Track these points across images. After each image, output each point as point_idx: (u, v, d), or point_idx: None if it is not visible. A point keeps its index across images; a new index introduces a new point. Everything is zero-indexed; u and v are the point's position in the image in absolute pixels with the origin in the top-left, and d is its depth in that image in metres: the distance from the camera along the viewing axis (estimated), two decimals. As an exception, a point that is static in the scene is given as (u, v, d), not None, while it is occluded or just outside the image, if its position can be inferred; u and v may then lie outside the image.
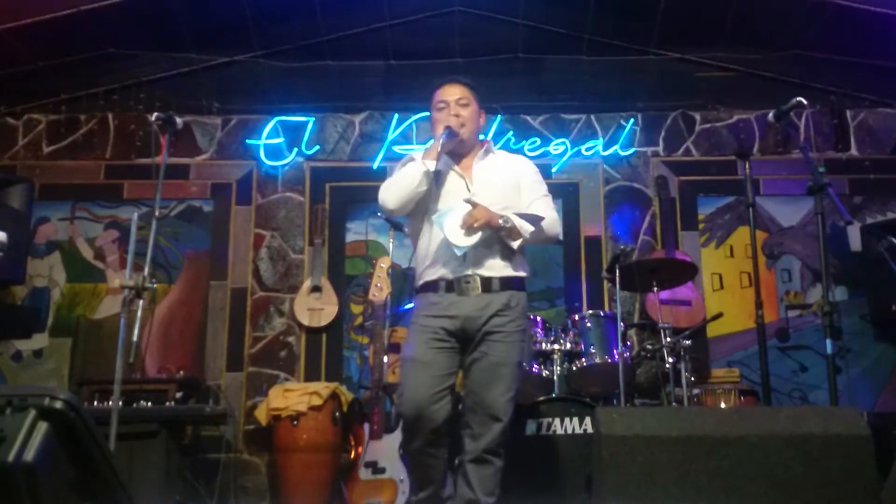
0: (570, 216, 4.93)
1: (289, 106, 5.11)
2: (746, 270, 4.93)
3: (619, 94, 5.13)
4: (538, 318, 3.90)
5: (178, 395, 4.08)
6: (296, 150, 5.07)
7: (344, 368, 4.83)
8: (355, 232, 5.02)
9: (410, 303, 3.58)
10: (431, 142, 2.94)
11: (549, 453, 3.48)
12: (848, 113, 5.14)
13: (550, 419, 3.53)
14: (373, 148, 5.09)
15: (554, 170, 5.01)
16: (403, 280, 4.45)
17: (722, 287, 4.95)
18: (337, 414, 4.30)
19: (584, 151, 5.07)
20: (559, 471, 3.46)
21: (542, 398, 3.60)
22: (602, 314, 3.97)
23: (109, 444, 2.59)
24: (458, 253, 2.77)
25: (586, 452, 3.35)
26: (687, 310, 4.68)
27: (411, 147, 4.86)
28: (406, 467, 3.73)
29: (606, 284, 4.83)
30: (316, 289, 4.81)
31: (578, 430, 3.51)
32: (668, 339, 3.78)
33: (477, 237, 2.74)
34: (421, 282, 2.90)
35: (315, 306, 4.79)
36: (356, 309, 4.91)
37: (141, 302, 2.80)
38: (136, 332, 2.77)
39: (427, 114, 3.09)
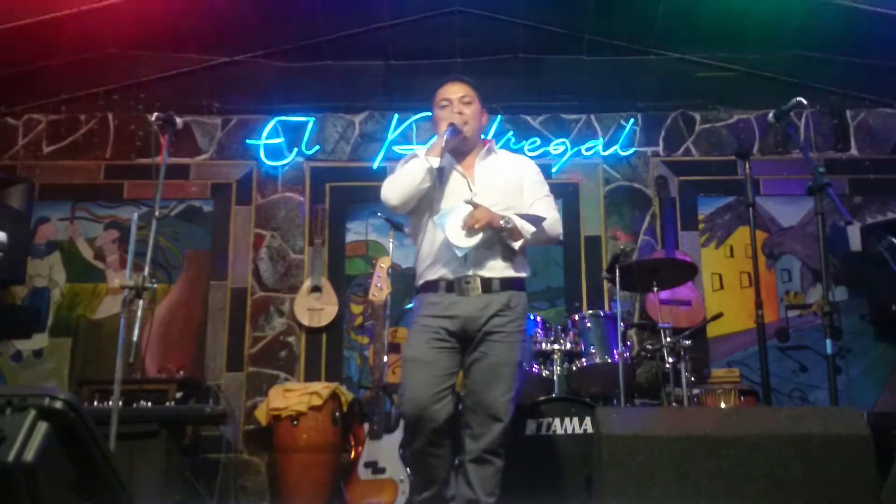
0: (570, 216, 4.93)
1: (289, 106, 5.11)
2: (746, 270, 4.93)
3: (619, 94, 5.13)
4: (538, 318, 3.90)
5: (178, 395, 4.08)
6: (296, 150, 5.07)
7: (344, 368, 4.83)
8: (355, 232, 5.02)
9: (411, 303, 3.58)
10: (434, 138, 2.93)
11: (549, 453, 3.48)
12: (848, 113, 5.14)
13: (550, 419, 3.54)
14: (373, 148, 5.10)
15: (554, 170, 5.01)
16: (403, 280, 4.45)
17: (722, 287, 4.95)
18: (337, 414, 4.30)
19: (584, 151, 5.07)
20: (559, 471, 3.47)
21: (542, 398, 3.60)
22: (602, 314, 3.97)
23: (109, 444, 2.59)
24: (459, 254, 2.77)
25: (586, 452, 3.36)
26: (687, 310, 4.68)
27: (411, 147, 4.86)
28: (409, 468, 3.73)
29: (606, 284, 4.83)
30: (316, 289, 4.81)
31: (578, 430, 3.51)
32: (668, 339, 3.78)
33: (478, 238, 2.74)
34: (421, 281, 2.90)
35: (315, 306, 4.79)
36: (356, 309, 4.91)
37: (141, 302, 2.80)
38: (136, 332, 2.77)
39: (427, 114, 3.09)
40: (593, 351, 3.79)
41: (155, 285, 2.87)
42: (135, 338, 2.76)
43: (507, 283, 2.82)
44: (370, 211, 4.85)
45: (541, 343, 3.81)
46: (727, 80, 5.08)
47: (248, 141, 5.09)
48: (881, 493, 2.14)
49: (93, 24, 4.47)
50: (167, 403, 4.02)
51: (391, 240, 4.49)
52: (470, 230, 2.73)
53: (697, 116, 5.18)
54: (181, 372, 4.49)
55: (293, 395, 4.25)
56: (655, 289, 3.87)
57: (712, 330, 4.76)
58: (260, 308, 4.90)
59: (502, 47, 4.94)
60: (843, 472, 2.17)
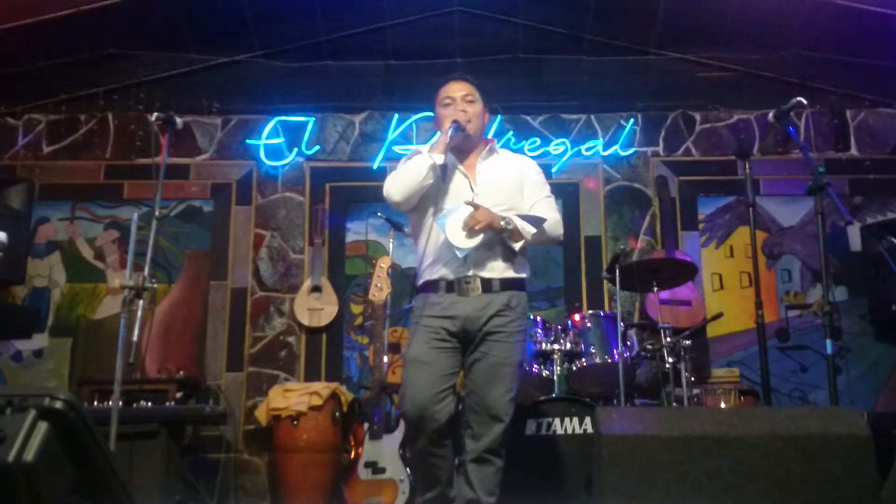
0: (570, 216, 4.93)
1: (289, 106, 5.11)
2: (746, 270, 4.93)
3: (619, 94, 5.13)
4: (538, 318, 3.89)
5: (178, 395, 4.08)
6: (296, 150, 5.07)
7: (344, 368, 4.83)
8: (355, 232, 5.02)
9: (411, 302, 3.58)
10: (437, 135, 2.94)
11: (549, 453, 3.48)
12: (848, 113, 5.14)
13: (550, 419, 3.53)
14: (373, 148, 5.09)
15: (554, 170, 5.01)
16: (403, 280, 4.45)
17: (722, 287, 4.95)
18: (337, 414, 4.30)
19: (584, 151, 5.07)
20: (559, 471, 3.47)
21: (542, 398, 3.60)
22: (602, 314, 3.96)
23: (109, 444, 2.59)
24: (460, 255, 2.76)
25: (586, 452, 3.36)
26: (687, 310, 4.68)
27: (411, 147, 4.85)
28: (410, 469, 3.73)
29: (606, 284, 4.83)
30: (316, 289, 4.81)
31: (578, 430, 3.51)
32: (668, 339, 3.78)
33: (478, 239, 2.74)
34: (421, 280, 2.90)
35: (315, 306, 4.79)
36: (356, 309, 4.91)
37: (141, 302, 2.80)
38: (136, 332, 2.76)
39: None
40: (593, 351, 3.79)
41: (155, 285, 2.87)
42: (135, 338, 2.76)
43: (507, 284, 2.82)
44: (370, 211, 4.84)
45: (541, 343, 3.80)
46: (727, 80, 5.09)
47: (248, 141, 5.09)
48: (881, 493, 2.14)
49: (93, 24, 4.47)
50: (167, 403, 4.02)
51: (391, 240, 4.50)
52: (470, 231, 2.73)
53: (697, 116, 5.18)
54: (181, 372, 4.49)
55: (293, 395, 4.25)
56: (655, 289, 3.87)
57: (712, 330, 4.76)
58: (260, 308, 4.90)
59: (502, 47, 4.95)
60: (843, 472, 2.17)
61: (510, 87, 4.97)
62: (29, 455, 1.38)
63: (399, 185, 2.83)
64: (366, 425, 3.92)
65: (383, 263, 4.04)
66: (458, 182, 2.90)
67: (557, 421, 3.53)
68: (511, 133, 5.05)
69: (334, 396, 4.31)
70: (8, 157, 5.04)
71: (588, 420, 3.49)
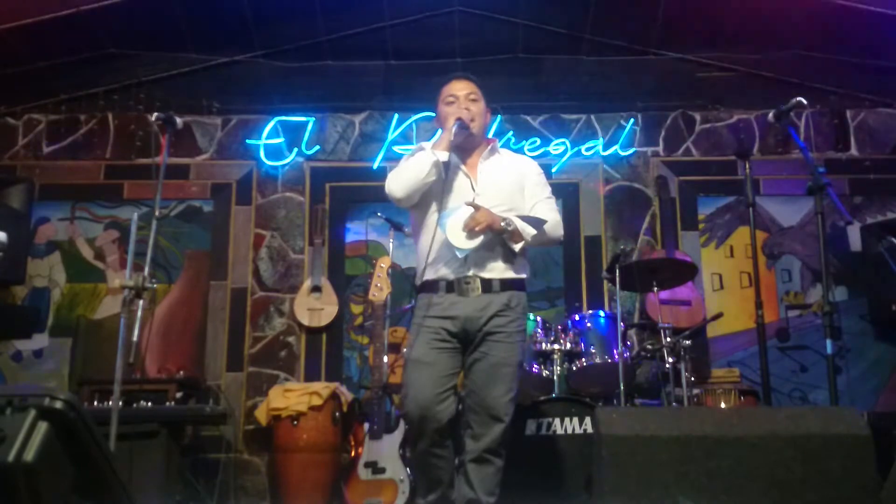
0: (570, 216, 4.93)
1: (289, 106, 5.12)
2: (746, 270, 4.93)
3: (619, 94, 5.13)
4: (538, 318, 3.89)
5: (178, 395, 4.08)
6: (296, 150, 5.07)
7: (344, 368, 4.83)
8: (355, 232, 5.02)
9: (411, 302, 3.58)
10: (439, 133, 2.93)
11: (549, 453, 3.48)
12: (848, 113, 5.14)
13: (550, 419, 3.54)
14: (373, 148, 5.09)
15: (554, 170, 5.01)
16: (403, 280, 4.45)
17: (722, 287, 4.95)
18: (337, 414, 4.30)
19: (584, 151, 5.08)
20: (559, 471, 3.47)
21: (542, 398, 3.60)
22: (602, 314, 3.97)
23: (109, 444, 2.59)
24: (460, 255, 2.77)
25: (586, 452, 3.36)
26: (687, 310, 4.68)
27: (411, 147, 4.85)
28: (411, 470, 3.72)
29: (606, 284, 4.83)
30: (316, 289, 4.81)
31: (578, 430, 3.51)
32: (668, 339, 3.78)
33: (479, 240, 2.74)
34: (421, 280, 2.89)
35: (315, 306, 4.79)
36: (356, 309, 4.91)
37: (141, 302, 2.80)
38: (136, 332, 2.76)
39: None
40: (593, 351, 3.79)
41: (155, 285, 2.86)
42: (135, 338, 2.76)
43: (507, 284, 2.82)
44: (370, 211, 4.84)
45: (541, 343, 3.80)
46: (727, 80, 5.09)
47: (248, 141, 5.09)
48: (881, 493, 2.14)
49: (93, 24, 4.48)
50: (167, 403, 4.02)
51: (391, 240, 4.50)
52: (471, 232, 2.73)
53: (697, 116, 5.18)
54: (181, 372, 4.49)
55: (293, 395, 4.25)
56: (655, 289, 3.87)
57: (712, 330, 4.76)
58: (260, 308, 4.90)
59: (502, 47, 4.95)
60: (843, 472, 2.17)
61: (510, 87, 4.96)
62: (29, 455, 1.38)
63: (401, 180, 2.83)
64: (366, 425, 3.93)
65: (383, 263, 4.04)
66: (459, 181, 2.89)
67: (557, 421, 3.53)
68: (511, 133, 5.05)
69: (334, 396, 4.31)
70: (8, 157, 5.04)
71: (588, 420, 3.49)
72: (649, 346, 3.94)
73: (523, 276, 2.90)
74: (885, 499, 2.12)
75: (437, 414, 2.69)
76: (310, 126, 5.10)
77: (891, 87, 5.04)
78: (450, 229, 2.74)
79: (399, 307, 4.43)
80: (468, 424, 2.80)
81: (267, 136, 5.06)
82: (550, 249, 4.85)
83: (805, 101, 2.97)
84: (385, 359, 4.10)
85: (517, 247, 2.80)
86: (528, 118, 5.15)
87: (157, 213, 3.04)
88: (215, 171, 5.09)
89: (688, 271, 4.09)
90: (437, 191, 2.82)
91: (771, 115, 3.10)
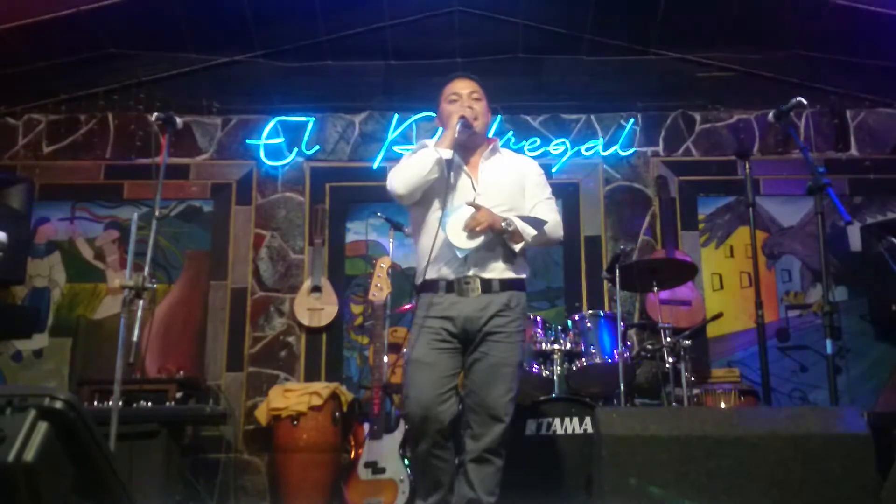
0: (570, 216, 4.93)
1: (289, 106, 5.12)
2: (746, 270, 4.93)
3: (619, 94, 5.13)
4: (538, 318, 3.89)
5: (178, 395, 4.08)
6: (296, 150, 5.07)
7: (344, 368, 4.83)
8: (355, 232, 5.02)
9: (410, 301, 3.58)
10: (440, 131, 2.92)
11: (549, 453, 3.49)
12: (848, 113, 5.14)
13: (550, 419, 3.54)
14: (373, 148, 5.09)
15: (554, 170, 5.01)
16: (403, 280, 4.45)
17: (722, 287, 4.95)
18: (337, 414, 4.30)
19: (584, 151, 5.08)
20: (559, 471, 3.47)
21: (542, 398, 3.60)
22: (602, 314, 3.97)
23: (109, 444, 2.59)
24: (460, 255, 2.77)
25: (586, 452, 3.36)
26: (687, 310, 4.68)
27: (411, 147, 4.85)
28: (412, 472, 3.72)
29: (606, 284, 4.83)
30: (316, 289, 4.81)
31: (578, 430, 3.52)
32: (668, 339, 3.78)
33: (479, 240, 2.74)
34: (421, 279, 2.88)
35: (315, 306, 4.79)
36: (356, 309, 4.91)
37: (141, 302, 2.80)
38: (136, 332, 2.76)
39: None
40: (593, 351, 3.79)
41: (155, 285, 2.86)
42: (135, 338, 2.76)
43: (507, 284, 2.81)
44: (370, 211, 4.84)
45: (541, 343, 3.81)
46: (727, 80, 5.09)
47: (248, 141, 5.09)
48: (881, 493, 2.14)
49: (93, 24, 4.48)
50: (167, 403, 4.02)
51: (391, 240, 4.49)
52: (472, 232, 2.73)
53: (697, 116, 5.18)
54: (181, 372, 4.49)
55: (293, 395, 4.25)
56: (655, 289, 3.87)
57: (712, 330, 4.76)
58: (260, 308, 4.90)
59: (502, 47, 4.95)
60: (843, 472, 2.17)
61: (510, 87, 4.96)
62: (29, 455, 1.38)
63: (404, 177, 2.82)
64: (366, 425, 3.93)
65: (383, 263, 4.04)
66: (460, 181, 2.89)
67: (557, 421, 3.53)
68: (511, 133, 5.05)
69: (334, 396, 4.31)
70: (8, 157, 5.04)
71: (588, 420, 3.49)
72: (649, 346, 3.94)
73: (523, 276, 2.90)
74: (885, 499, 2.12)
75: (439, 414, 2.69)
76: (310, 126, 5.10)
77: (891, 87, 5.04)
78: (450, 229, 2.74)
79: (399, 307, 4.43)
80: (468, 424, 2.79)
81: (267, 136, 5.06)
82: (550, 249, 4.85)
83: (805, 101, 2.97)
84: (385, 359, 4.10)
85: (517, 247, 2.80)
86: (528, 118, 5.15)
87: (157, 213, 3.04)
88: (215, 171, 5.09)
89: (688, 271, 4.09)
90: (438, 189, 2.82)
91: (771, 115, 3.10)
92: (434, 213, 2.83)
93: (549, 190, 3.01)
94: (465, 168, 2.92)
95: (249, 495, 4.61)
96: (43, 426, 1.42)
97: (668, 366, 3.75)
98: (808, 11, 4.49)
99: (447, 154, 2.77)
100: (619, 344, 3.71)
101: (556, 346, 3.80)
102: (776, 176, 5.03)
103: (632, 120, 5.12)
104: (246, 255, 4.97)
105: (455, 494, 2.81)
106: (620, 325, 3.76)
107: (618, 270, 3.76)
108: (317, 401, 4.21)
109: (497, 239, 2.79)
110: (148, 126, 5.02)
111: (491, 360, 2.76)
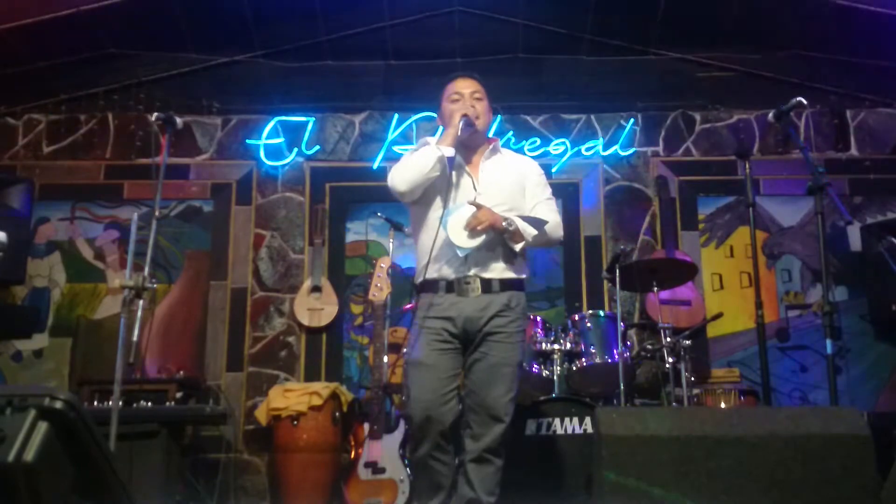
0: (570, 216, 4.93)
1: (289, 106, 5.11)
2: (746, 270, 4.93)
3: (619, 94, 5.13)
4: (538, 318, 3.89)
5: (178, 395, 4.08)
6: (296, 150, 5.07)
7: (344, 368, 4.83)
8: (355, 232, 5.02)
9: (410, 301, 3.58)
10: (441, 130, 2.92)
11: (549, 453, 3.49)
12: (848, 113, 5.14)
13: (550, 419, 3.54)
14: (373, 148, 5.09)
15: (554, 170, 5.00)
16: (403, 280, 4.45)
17: (722, 287, 4.95)
18: (337, 414, 4.30)
19: (584, 151, 5.07)
20: (559, 471, 3.47)
21: (542, 398, 3.60)
22: (602, 314, 3.97)
23: (109, 444, 2.59)
24: (461, 254, 2.77)
25: (586, 452, 3.36)
26: (687, 310, 4.68)
27: (411, 147, 4.85)
28: (413, 475, 3.71)
29: (606, 284, 4.83)
30: (316, 289, 4.81)
31: (578, 430, 3.52)
32: (668, 339, 3.78)
33: (480, 240, 2.74)
34: (421, 279, 2.87)
35: (315, 306, 4.79)
36: (356, 309, 4.91)
37: (141, 302, 2.80)
38: (136, 332, 2.76)
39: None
40: (593, 351, 3.79)
41: (155, 285, 2.86)
42: (135, 338, 2.75)
43: (507, 284, 2.81)
44: (370, 211, 4.84)
45: (541, 343, 3.81)
46: (727, 80, 5.09)
47: (248, 141, 5.09)
48: (881, 493, 2.14)
49: (93, 24, 4.48)
50: (167, 403, 4.02)
51: (391, 240, 4.49)
52: (473, 231, 2.73)
53: (697, 116, 5.18)
54: (181, 372, 4.49)
55: (293, 395, 4.25)
56: (655, 289, 3.87)
57: (712, 330, 4.76)
58: (260, 308, 4.90)
59: (502, 47, 4.95)
60: (843, 472, 2.17)
61: (510, 87, 4.96)
62: (29, 455, 1.38)
63: (405, 174, 2.82)
64: (366, 425, 3.93)
65: (383, 263, 4.04)
66: (461, 180, 2.89)
67: (557, 421, 3.53)
68: (511, 133, 5.04)
69: (334, 396, 4.31)
70: (8, 157, 5.04)
71: (588, 420, 3.50)
72: (649, 346, 3.94)
73: (523, 276, 2.90)
74: (885, 499, 2.12)
75: (441, 416, 2.68)
76: (310, 126, 5.10)
77: (891, 87, 5.04)
78: (451, 228, 2.74)
79: (399, 307, 4.43)
80: (468, 424, 2.79)
81: (267, 136, 5.06)
82: (550, 249, 4.84)
83: (805, 101, 2.97)
84: (385, 359, 4.10)
85: (518, 247, 2.80)
86: (528, 118, 5.14)
87: (157, 213, 3.03)
88: (215, 171, 5.09)
89: (688, 271, 4.09)
90: (439, 188, 2.82)
91: (771, 115, 3.10)
92: (435, 211, 2.83)
93: (549, 190, 3.01)
94: (466, 167, 2.91)
95: (249, 495, 4.61)
96: (43, 426, 1.42)
97: (668, 366, 3.75)
98: (808, 11, 4.49)
99: (449, 152, 2.77)
100: (619, 344, 3.71)
101: (556, 346, 3.80)
102: (776, 176, 5.03)
103: (632, 120, 5.12)
104: (246, 255, 4.97)
105: (455, 497, 2.80)
106: (620, 325, 3.76)
107: (618, 270, 3.76)
108: (317, 401, 4.21)
109: (497, 239, 2.79)
110: (148, 126, 5.02)
111: (491, 360, 2.76)
